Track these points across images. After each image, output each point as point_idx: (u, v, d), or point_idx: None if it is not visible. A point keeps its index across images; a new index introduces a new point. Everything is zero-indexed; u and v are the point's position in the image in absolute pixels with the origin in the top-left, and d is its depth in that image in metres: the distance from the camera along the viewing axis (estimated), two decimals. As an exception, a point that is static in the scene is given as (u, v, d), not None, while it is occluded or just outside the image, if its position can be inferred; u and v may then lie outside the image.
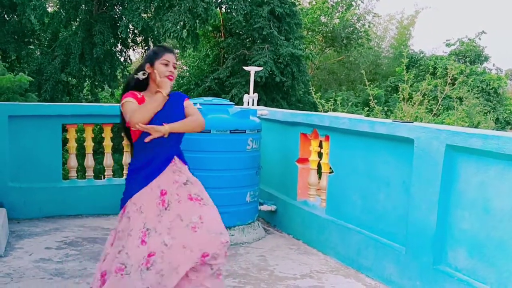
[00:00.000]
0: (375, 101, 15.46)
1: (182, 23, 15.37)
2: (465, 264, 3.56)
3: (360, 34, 25.67)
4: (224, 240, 2.96)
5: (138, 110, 2.88)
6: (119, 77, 18.40)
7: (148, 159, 3.01)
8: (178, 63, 3.43)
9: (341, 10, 26.11)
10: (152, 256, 2.84)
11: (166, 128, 2.87)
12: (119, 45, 18.05)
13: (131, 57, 19.67)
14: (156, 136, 2.85)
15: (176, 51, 21.32)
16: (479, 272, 3.45)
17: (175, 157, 3.10)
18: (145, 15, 16.94)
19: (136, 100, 2.98)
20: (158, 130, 2.84)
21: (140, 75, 3.05)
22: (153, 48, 3.20)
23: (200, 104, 5.17)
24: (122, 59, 18.29)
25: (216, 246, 2.94)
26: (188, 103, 3.14)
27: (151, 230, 2.89)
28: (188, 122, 3.04)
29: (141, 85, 3.11)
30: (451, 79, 16.02)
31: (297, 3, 20.73)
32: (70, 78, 17.28)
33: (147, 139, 2.86)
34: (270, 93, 18.36)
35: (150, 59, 3.05)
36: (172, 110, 3.02)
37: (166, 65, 3.02)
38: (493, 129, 16.53)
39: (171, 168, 3.07)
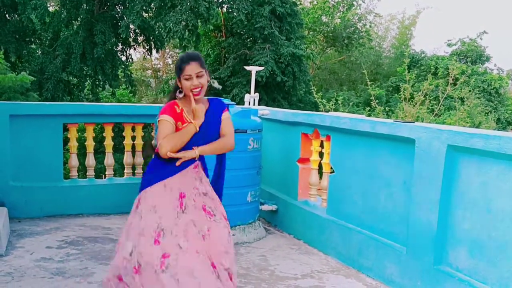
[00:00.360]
0: (377, 101, 15.45)
1: (184, 23, 15.36)
2: (466, 264, 3.56)
3: (361, 34, 25.66)
4: (222, 261, 2.95)
5: (170, 140, 2.87)
6: (120, 77, 18.41)
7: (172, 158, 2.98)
8: (204, 68, 3.31)
9: (342, 10, 26.09)
10: (166, 257, 2.82)
11: (196, 153, 2.94)
12: (120, 44, 18.05)
13: (132, 57, 19.68)
14: (187, 158, 2.92)
15: (178, 51, 21.34)
16: (480, 272, 3.45)
17: (199, 163, 3.10)
18: (146, 14, 16.94)
19: (173, 119, 2.95)
20: (188, 157, 2.92)
21: (179, 95, 3.04)
22: (177, 60, 3.11)
23: (201, 103, 5.17)
24: (123, 59, 18.29)
25: (219, 264, 2.94)
26: (226, 116, 3.14)
27: (166, 231, 2.87)
28: (218, 146, 3.08)
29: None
30: (452, 79, 16.00)
31: (298, 3, 20.74)
32: (71, 78, 17.29)
33: (178, 163, 2.91)
34: (271, 93, 18.35)
35: (177, 74, 3.02)
36: (208, 126, 3.03)
37: (189, 79, 2.96)
38: (495, 130, 16.50)
39: (194, 173, 3.07)
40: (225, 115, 3.14)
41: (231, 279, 2.99)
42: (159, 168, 3.01)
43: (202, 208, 3.01)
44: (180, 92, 3.02)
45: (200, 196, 3.03)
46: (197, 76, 2.98)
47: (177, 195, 2.97)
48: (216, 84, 3.11)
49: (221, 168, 3.28)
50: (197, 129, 2.94)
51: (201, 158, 3.10)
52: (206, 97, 3.14)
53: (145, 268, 2.82)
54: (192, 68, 2.96)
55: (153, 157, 3.10)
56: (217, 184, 3.25)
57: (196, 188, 3.04)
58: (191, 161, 3.00)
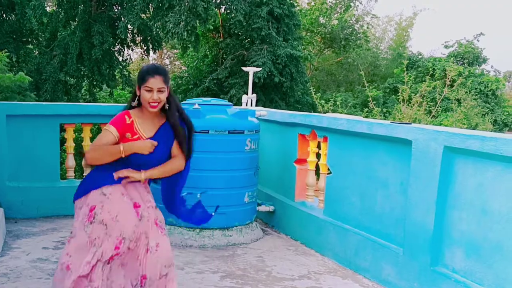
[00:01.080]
0: (374, 102, 15.47)
1: (183, 23, 15.34)
2: (462, 265, 3.57)
3: (358, 35, 25.67)
4: (164, 273, 2.98)
5: (94, 151, 2.87)
6: (117, 77, 18.37)
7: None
8: (167, 85, 3.26)
9: (339, 11, 26.11)
10: (117, 255, 2.92)
11: (142, 177, 2.96)
12: (117, 45, 18.02)
13: (131, 57, 19.65)
14: (132, 180, 2.94)
15: (176, 51, 21.30)
16: (476, 274, 3.46)
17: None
18: (144, 15, 16.91)
19: (117, 132, 2.91)
20: (134, 177, 2.94)
21: (133, 103, 3.01)
22: (141, 68, 3.05)
23: (198, 104, 5.18)
24: (120, 59, 18.25)
25: (156, 274, 2.96)
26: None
27: (126, 239, 2.89)
28: (166, 170, 3.05)
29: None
30: (449, 81, 16.03)
31: (295, 4, 20.73)
32: (68, 78, 17.24)
33: (123, 182, 2.92)
34: (268, 93, 18.35)
35: (138, 82, 2.97)
36: (158, 143, 2.98)
37: (150, 91, 2.90)
38: (491, 131, 16.54)
39: (145, 187, 3.08)
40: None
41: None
42: (106, 171, 2.96)
43: (155, 222, 3.01)
44: (138, 100, 2.99)
45: (152, 209, 3.03)
46: (158, 91, 2.92)
47: (131, 205, 2.96)
48: (135, 103, 3.03)
49: (177, 186, 3.22)
50: (123, 155, 2.86)
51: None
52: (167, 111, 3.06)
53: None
54: (155, 82, 2.91)
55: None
56: (172, 199, 3.23)
57: (149, 201, 3.04)
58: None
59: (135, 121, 2.96)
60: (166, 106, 3.01)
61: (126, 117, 2.96)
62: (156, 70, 2.95)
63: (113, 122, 2.94)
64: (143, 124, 2.98)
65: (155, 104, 2.93)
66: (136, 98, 3.01)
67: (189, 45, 17.26)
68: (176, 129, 3.04)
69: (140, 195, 3.02)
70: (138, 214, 2.95)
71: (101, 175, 2.96)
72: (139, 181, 3.00)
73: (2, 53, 9.71)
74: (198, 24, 16.23)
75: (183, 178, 3.20)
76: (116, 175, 2.91)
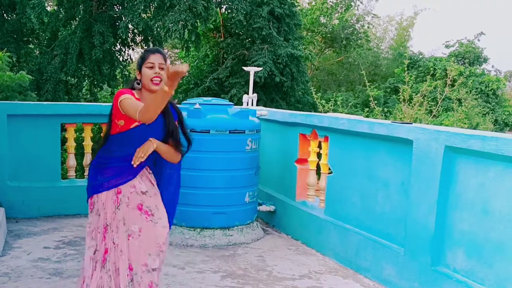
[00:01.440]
0: (375, 102, 15.46)
1: (183, 22, 15.33)
2: (464, 265, 3.57)
3: (359, 35, 25.66)
4: (147, 263, 2.95)
5: (148, 111, 2.67)
6: (118, 77, 18.37)
7: (120, 162, 2.98)
8: (168, 62, 3.24)
9: (340, 11, 26.09)
10: (106, 253, 2.95)
11: (153, 144, 2.89)
12: (118, 44, 18.01)
13: (131, 57, 19.63)
14: (149, 153, 2.87)
15: (176, 51, 21.28)
16: (478, 273, 3.45)
17: (147, 167, 3.08)
18: (145, 15, 16.91)
19: (129, 93, 2.91)
20: (148, 150, 2.87)
21: (136, 86, 2.99)
22: (142, 52, 3.09)
23: (199, 104, 5.18)
24: (121, 59, 18.25)
25: (140, 266, 2.94)
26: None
27: (109, 226, 2.96)
28: (171, 151, 3.02)
29: None
30: (450, 81, 16.01)
31: (296, 4, 20.71)
32: (69, 78, 17.23)
33: (136, 163, 2.85)
34: (269, 93, 18.34)
35: (138, 65, 2.99)
36: (157, 122, 2.92)
37: (151, 67, 2.93)
38: (492, 131, 16.53)
39: (140, 175, 3.04)
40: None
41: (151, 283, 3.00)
42: (107, 171, 3.01)
43: (137, 207, 2.97)
44: (138, 83, 2.98)
45: (136, 195, 2.98)
46: (159, 67, 2.93)
47: (116, 190, 2.98)
48: (136, 86, 3.02)
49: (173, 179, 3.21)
50: (164, 92, 2.53)
51: (151, 163, 3.08)
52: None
53: (98, 267, 2.97)
54: (156, 58, 2.94)
55: (99, 153, 3.09)
56: (172, 194, 3.20)
57: (133, 186, 2.99)
58: (139, 170, 3.00)
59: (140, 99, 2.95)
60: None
61: (134, 92, 2.97)
62: (156, 49, 3.02)
63: (125, 92, 2.91)
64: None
65: (158, 80, 2.92)
66: (136, 82, 3.00)
67: (190, 45, 17.25)
68: (168, 115, 3.02)
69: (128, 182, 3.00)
70: (117, 200, 2.96)
71: (95, 178, 3.03)
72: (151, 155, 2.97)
73: (2, 53, 9.70)
74: (198, 23, 16.22)
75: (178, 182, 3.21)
76: (134, 164, 2.87)
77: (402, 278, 4.04)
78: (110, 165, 3.00)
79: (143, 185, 3.02)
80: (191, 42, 16.79)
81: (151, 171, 3.13)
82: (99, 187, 3.00)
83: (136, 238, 2.94)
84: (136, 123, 2.90)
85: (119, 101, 2.86)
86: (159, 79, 2.92)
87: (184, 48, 17.71)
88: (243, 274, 4.39)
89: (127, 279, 2.92)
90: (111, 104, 3.00)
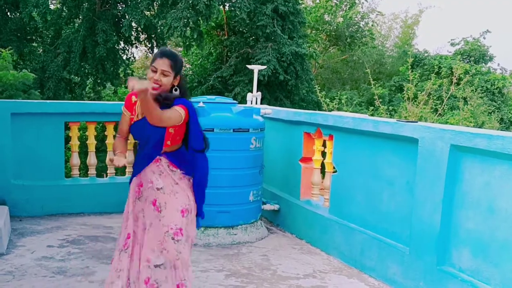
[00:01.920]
0: (380, 100, 15.42)
1: (185, 20, 15.32)
2: (469, 264, 3.54)
3: (364, 33, 25.60)
4: (150, 258, 2.99)
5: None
6: (121, 75, 18.38)
7: (137, 156, 3.20)
8: (174, 71, 3.21)
9: (344, 9, 26.04)
10: (128, 238, 3.08)
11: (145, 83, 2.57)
12: (121, 42, 18.02)
13: (134, 55, 19.66)
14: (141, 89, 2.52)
15: (179, 49, 21.30)
16: (483, 273, 3.43)
17: (162, 159, 3.09)
18: (148, 12, 16.91)
19: (127, 110, 3.15)
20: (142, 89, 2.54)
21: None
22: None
23: (203, 102, 5.16)
24: (125, 57, 18.26)
25: (144, 260, 3.01)
26: (175, 107, 2.99)
27: (130, 214, 3.12)
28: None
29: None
30: (456, 79, 15.94)
31: (300, 1, 20.69)
32: (72, 76, 17.26)
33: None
34: (273, 91, 18.32)
35: (151, 62, 3.03)
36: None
37: (154, 71, 2.92)
38: (498, 130, 16.45)
39: (153, 168, 3.10)
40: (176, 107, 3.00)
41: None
42: (134, 166, 3.21)
43: (152, 202, 3.06)
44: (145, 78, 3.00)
45: (152, 190, 3.07)
46: (162, 73, 2.92)
47: (138, 182, 3.13)
48: (177, 92, 3.04)
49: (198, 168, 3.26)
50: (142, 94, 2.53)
51: (169, 155, 3.10)
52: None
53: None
54: (160, 63, 2.91)
55: None
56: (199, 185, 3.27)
57: (150, 182, 3.07)
58: (150, 160, 3.09)
59: (138, 101, 3.00)
60: (175, 91, 3.01)
61: (133, 96, 3.07)
62: (164, 53, 2.97)
63: (125, 101, 3.16)
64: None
65: (156, 85, 2.90)
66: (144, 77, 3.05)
67: (192, 43, 17.23)
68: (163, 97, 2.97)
69: (147, 177, 3.09)
70: (139, 192, 3.12)
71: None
72: (158, 162, 3.08)
73: (6, 51, 9.73)
74: (200, 21, 16.21)
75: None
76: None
77: (407, 277, 4.02)
78: (136, 155, 3.24)
79: (160, 182, 3.07)
80: (194, 40, 16.76)
81: (175, 169, 3.13)
82: (131, 176, 3.21)
83: (148, 232, 3.03)
84: (134, 118, 3.11)
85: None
86: (157, 86, 2.91)
87: (186, 46, 17.68)
88: (247, 273, 4.37)
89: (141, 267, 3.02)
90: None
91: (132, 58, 19.32)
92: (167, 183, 3.08)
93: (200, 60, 21.26)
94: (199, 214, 3.24)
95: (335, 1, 25.56)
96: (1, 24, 15.96)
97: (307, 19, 21.42)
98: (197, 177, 3.22)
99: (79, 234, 5.27)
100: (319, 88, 16.45)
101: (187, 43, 17.15)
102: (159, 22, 16.59)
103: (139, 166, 3.14)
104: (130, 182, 3.21)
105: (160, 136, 3.03)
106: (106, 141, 6.53)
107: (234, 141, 5.16)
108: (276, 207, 5.87)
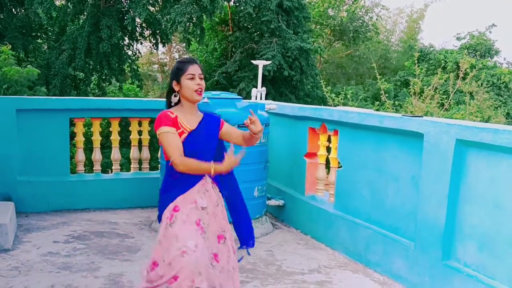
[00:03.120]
0: (386, 95, 15.36)
1: (188, 16, 15.30)
2: (474, 259, 3.53)
3: (368, 27, 25.50)
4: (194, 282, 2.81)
5: (187, 164, 2.83)
6: (126, 71, 18.39)
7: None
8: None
9: (348, 3, 25.94)
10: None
11: (212, 171, 2.88)
12: (126, 38, 18.01)
13: (139, 51, 19.65)
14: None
15: (184, 44, 21.30)
16: (488, 268, 3.42)
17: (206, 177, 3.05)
18: (153, 8, 16.89)
19: (172, 127, 2.90)
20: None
21: (174, 99, 3.00)
22: (175, 64, 3.09)
23: (208, 98, 5.15)
24: (130, 53, 18.26)
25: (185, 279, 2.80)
26: (229, 127, 3.19)
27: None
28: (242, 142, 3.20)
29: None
30: (463, 73, 15.84)
31: (305, -4, 20.61)
32: (77, 72, 17.28)
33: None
34: (278, 87, 18.29)
35: (176, 76, 2.97)
36: (206, 136, 3.02)
37: (192, 78, 2.93)
38: (504, 124, 16.35)
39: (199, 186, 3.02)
40: (227, 127, 3.18)
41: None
42: (175, 184, 2.99)
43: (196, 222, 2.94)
44: (176, 95, 2.99)
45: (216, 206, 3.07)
46: (199, 78, 2.96)
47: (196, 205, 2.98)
48: (174, 99, 3.05)
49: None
50: (212, 174, 2.91)
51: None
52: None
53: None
54: (195, 69, 2.95)
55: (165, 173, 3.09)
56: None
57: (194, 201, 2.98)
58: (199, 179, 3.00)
59: (178, 116, 2.95)
60: (175, 97, 3.02)
61: (169, 113, 2.95)
62: (192, 60, 3.03)
63: (162, 122, 2.91)
64: (185, 118, 2.96)
65: (201, 90, 2.95)
66: (174, 94, 3.00)
67: (192, 39, 17.19)
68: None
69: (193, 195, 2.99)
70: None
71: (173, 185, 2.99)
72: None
73: (7, 48, 9.74)
74: (204, 17, 16.18)
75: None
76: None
77: (413, 272, 4.01)
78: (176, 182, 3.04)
79: (204, 201, 3.01)
80: (196, 35, 16.73)
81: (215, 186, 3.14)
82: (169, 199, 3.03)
83: (191, 254, 2.81)
84: (185, 131, 2.94)
85: (158, 133, 2.92)
86: (201, 90, 2.95)
87: (186, 41, 17.64)
88: (252, 269, 4.37)
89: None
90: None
91: (138, 53, 19.31)
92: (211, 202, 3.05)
93: (205, 55, 21.24)
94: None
95: (339, -5, 25.47)
96: (6, 21, 15.98)
97: (311, 14, 21.35)
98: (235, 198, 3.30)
99: (85, 229, 5.29)
100: (324, 83, 16.39)
101: (188, 38, 17.11)
102: (164, 18, 16.57)
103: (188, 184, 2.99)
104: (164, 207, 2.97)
105: (212, 151, 3.06)
106: (111, 137, 6.54)
107: (239, 136, 5.14)
108: (281, 202, 5.87)
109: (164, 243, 2.86)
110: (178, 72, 2.97)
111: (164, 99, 3.16)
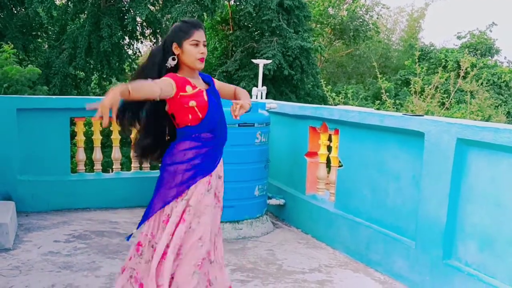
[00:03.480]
0: (386, 94, 15.35)
1: (189, 15, 15.32)
2: (475, 258, 3.52)
3: (368, 26, 25.50)
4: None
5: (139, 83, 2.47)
6: (127, 70, 18.41)
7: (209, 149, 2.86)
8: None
9: (348, 2, 25.93)
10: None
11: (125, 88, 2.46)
12: (127, 38, 18.03)
13: (140, 50, 19.66)
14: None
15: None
16: (489, 267, 3.41)
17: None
18: (153, 7, 16.91)
19: (175, 83, 2.60)
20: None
21: (172, 62, 2.70)
22: (178, 24, 2.73)
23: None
24: (130, 52, 18.28)
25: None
26: (219, 83, 3.03)
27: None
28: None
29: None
30: (463, 72, 15.84)
31: (305, -5, 20.61)
32: (77, 72, 17.29)
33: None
34: (278, 86, 18.31)
35: (178, 38, 2.67)
36: (218, 101, 2.88)
37: (197, 45, 2.66)
38: (505, 123, 16.32)
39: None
40: (218, 83, 3.02)
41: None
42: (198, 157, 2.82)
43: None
44: (174, 59, 2.70)
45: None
46: (203, 45, 2.71)
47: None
48: (171, 62, 2.72)
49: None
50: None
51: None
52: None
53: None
54: (200, 35, 2.68)
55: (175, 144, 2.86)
56: None
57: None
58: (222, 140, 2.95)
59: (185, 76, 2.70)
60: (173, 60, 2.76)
61: (177, 75, 2.69)
62: (199, 24, 2.74)
63: (171, 76, 2.64)
64: (193, 81, 2.72)
65: (204, 58, 2.70)
66: (172, 57, 2.71)
67: None
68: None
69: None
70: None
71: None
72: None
73: (8, 47, 9.74)
74: (205, 15, 16.19)
75: None
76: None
77: (414, 271, 4.01)
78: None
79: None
80: None
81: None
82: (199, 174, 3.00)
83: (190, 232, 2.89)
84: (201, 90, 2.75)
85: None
86: (204, 58, 2.71)
87: None
88: (253, 268, 4.37)
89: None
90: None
91: (139, 53, 19.32)
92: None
93: (205, 55, 21.25)
94: None
95: (340, -6, 25.48)
96: (6, 20, 15.99)
97: (312, 13, 21.34)
98: None
99: (85, 229, 5.29)
100: (324, 82, 16.39)
101: None
102: (164, 17, 16.59)
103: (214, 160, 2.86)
104: (191, 180, 2.81)
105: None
106: (111, 137, 6.53)
107: (240, 135, 5.15)
108: (281, 201, 5.87)
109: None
110: (181, 34, 2.68)
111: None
